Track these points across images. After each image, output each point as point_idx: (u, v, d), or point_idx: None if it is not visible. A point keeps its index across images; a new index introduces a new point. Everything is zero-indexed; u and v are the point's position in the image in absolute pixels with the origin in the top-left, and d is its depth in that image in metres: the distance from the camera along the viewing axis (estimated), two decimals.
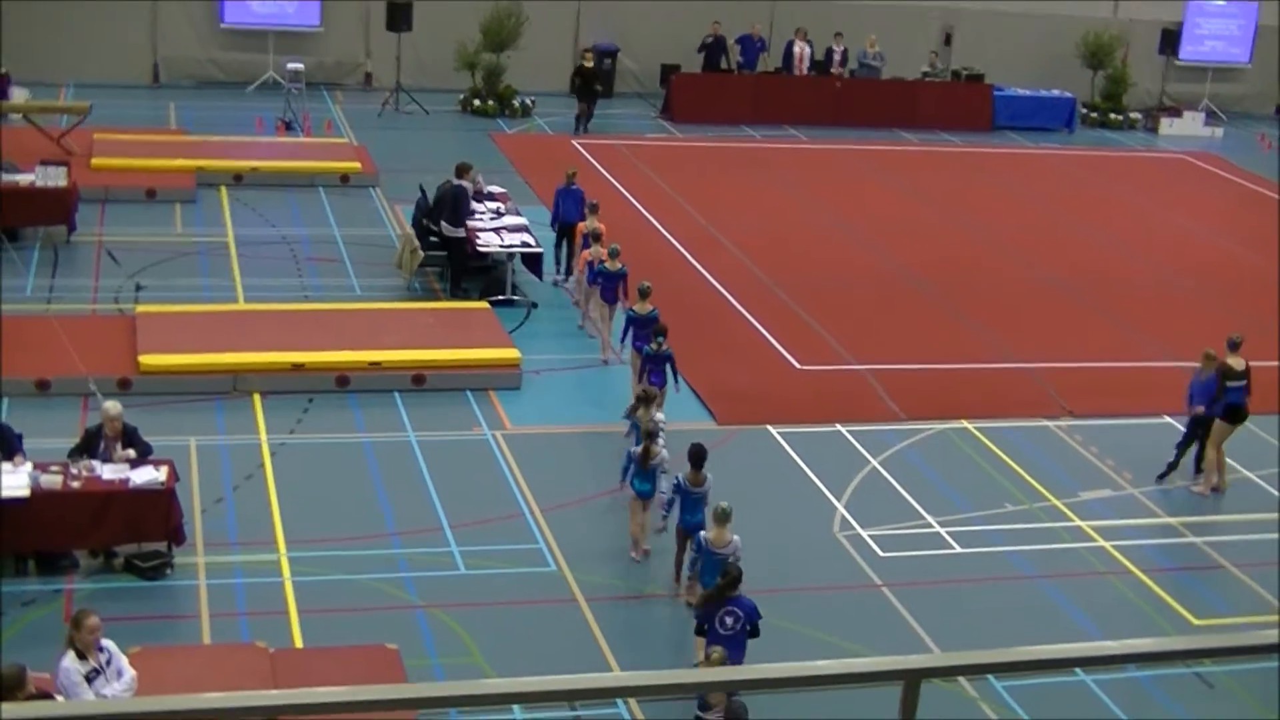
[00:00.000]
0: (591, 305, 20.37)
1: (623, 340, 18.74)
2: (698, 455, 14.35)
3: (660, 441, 15.00)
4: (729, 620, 12.20)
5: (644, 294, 18.38)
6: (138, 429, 14.73)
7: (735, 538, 13.33)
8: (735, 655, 12.00)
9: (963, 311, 22.74)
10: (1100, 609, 15.01)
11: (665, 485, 14.64)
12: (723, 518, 13.36)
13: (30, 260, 21.51)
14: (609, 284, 19.68)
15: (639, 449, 14.95)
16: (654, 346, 17.44)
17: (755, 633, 12.31)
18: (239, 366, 18.13)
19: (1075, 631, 14.41)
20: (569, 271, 22.04)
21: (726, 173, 29.56)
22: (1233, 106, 38.46)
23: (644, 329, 18.02)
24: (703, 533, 13.56)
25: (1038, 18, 36.61)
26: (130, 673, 11.34)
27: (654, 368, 17.39)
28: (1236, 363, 17.47)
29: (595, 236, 20.36)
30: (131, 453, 14.41)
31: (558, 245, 22.40)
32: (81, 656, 11.08)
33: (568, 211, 22.16)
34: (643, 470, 14.87)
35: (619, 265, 19.66)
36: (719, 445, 17.26)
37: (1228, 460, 18.06)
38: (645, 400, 15.93)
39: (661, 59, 34.21)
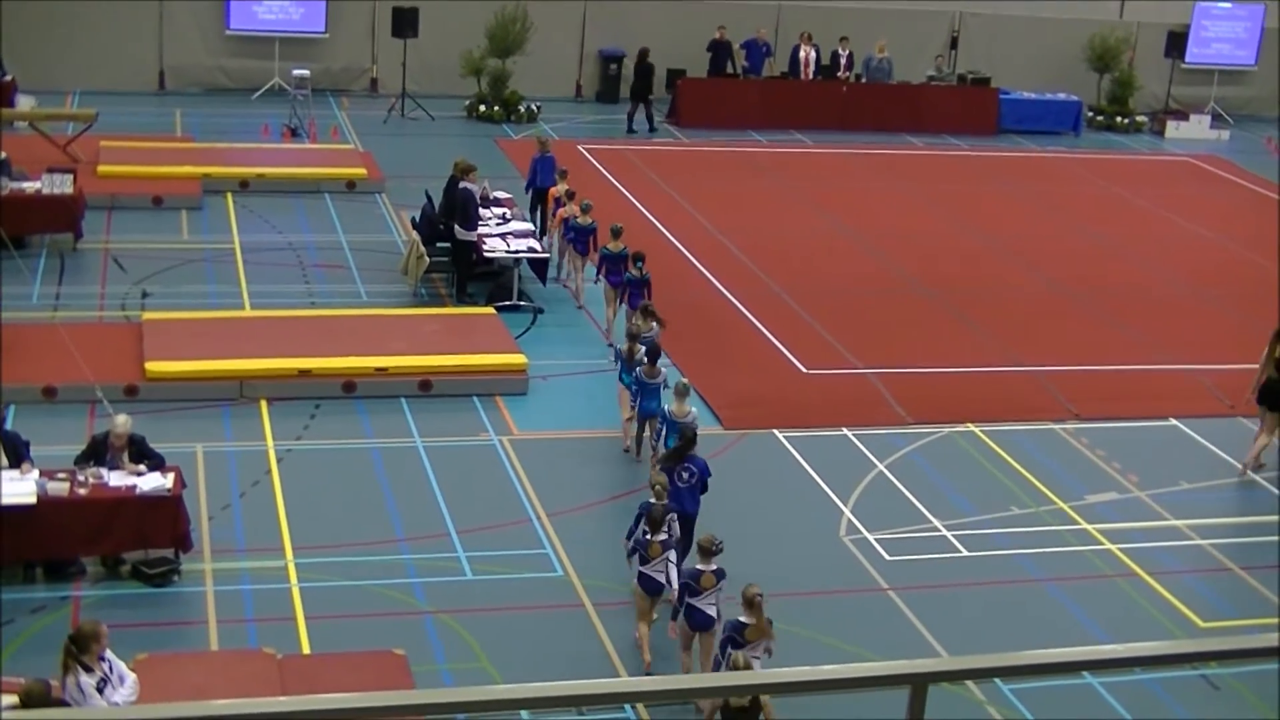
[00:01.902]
0: (567, 259, 22.06)
1: (596, 276, 20.67)
2: (654, 351, 16.63)
3: (644, 351, 16.72)
4: (685, 475, 14.29)
5: (615, 234, 20.31)
6: (145, 438, 14.74)
7: (693, 410, 15.69)
8: (690, 506, 14.16)
9: (968, 315, 22.73)
10: (1107, 612, 15.00)
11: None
12: (682, 392, 15.74)
13: (37, 268, 21.54)
14: (580, 237, 21.39)
15: (624, 347, 17.13)
16: (635, 272, 19.39)
17: (705, 488, 14.36)
18: (245, 373, 18.15)
19: (1082, 635, 14.41)
20: (544, 233, 23.06)
21: (732, 177, 29.56)
22: (1239, 109, 38.37)
23: (615, 265, 20.08)
24: (666, 406, 15.86)
25: (1043, 21, 36.57)
26: (131, 676, 11.52)
27: (633, 291, 19.32)
28: None
29: (570, 196, 22.24)
30: (143, 469, 14.39)
31: (533, 209, 23.80)
32: (88, 670, 11.20)
33: (543, 178, 23.71)
34: (628, 367, 16.87)
35: (590, 220, 21.34)
36: (726, 450, 17.28)
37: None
38: (646, 313, 17.75)
39: (667, 64, 34.18)
